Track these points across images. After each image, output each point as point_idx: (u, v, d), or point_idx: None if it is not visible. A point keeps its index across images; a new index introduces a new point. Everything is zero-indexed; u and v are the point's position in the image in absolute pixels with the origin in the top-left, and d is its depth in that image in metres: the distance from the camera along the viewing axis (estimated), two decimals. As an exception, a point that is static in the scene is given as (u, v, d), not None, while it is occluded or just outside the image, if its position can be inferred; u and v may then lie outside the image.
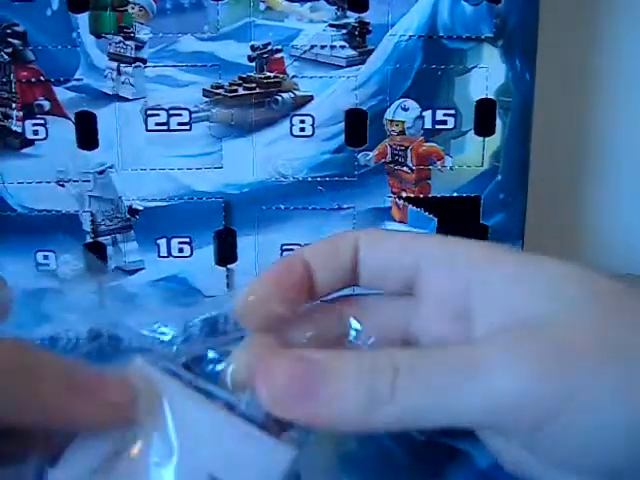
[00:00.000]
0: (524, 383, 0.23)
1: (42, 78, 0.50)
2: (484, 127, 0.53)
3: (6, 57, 0.50)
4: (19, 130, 0.51)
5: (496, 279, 0.27)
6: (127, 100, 0.51)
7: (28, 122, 0.51)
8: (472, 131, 0.53)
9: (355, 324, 0.30)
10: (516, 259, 0.28)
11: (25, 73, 0.50)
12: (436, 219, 0.53)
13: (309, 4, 0.50)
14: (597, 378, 0.23)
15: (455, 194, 0.53)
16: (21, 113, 0.51)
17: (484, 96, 0.52)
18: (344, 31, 0.51)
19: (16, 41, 0.50)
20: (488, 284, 0.27)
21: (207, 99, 0.51)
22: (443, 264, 0.29)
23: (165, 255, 0.53)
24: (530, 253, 0.30)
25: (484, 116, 0.52)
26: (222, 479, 0.27)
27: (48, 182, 0.52)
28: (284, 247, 0.53)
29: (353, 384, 0.24)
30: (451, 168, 0.53)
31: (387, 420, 0.24)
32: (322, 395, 0.24)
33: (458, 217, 0.54)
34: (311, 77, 0.51)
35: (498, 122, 0.53)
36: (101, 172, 0.52)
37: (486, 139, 0.53)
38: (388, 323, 0.31)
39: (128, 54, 0.51)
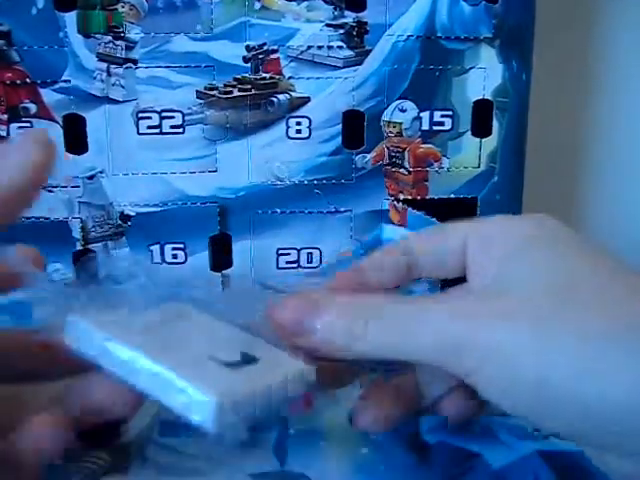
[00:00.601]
0: (460, 331, 0.29)
1: (28, 80, 0.48)
2: (481, 128, 0.52)
3: (-10, 58, 0.47)
4: (3, 134, 0.49)
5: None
6: (117, 102, 0.49)
7: (13, 125, 0.49)
8: (469, 132, 0.52)
9: None
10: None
11: (10, 74, 0.48)
12: (437, 223, 0.52)
13: (306, 3, 0.49)
14: (514, 336, 0.28)
15: (452, 195, 0.53)
16: (6, 116, 0.49)
17: (481, 97, 0.52)
18: (341, 31, 0.50)
19: (0, 41, 0.47)
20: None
21: (201, 101, 0.50)
22: None
23: (159, 262, 0.51)
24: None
25: (481, 117, 0.52)
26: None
27: (35, 188, 0.49)
28: (280, 252, 0.52)
29: (338, 323, 0.30)
30: (448, 169, 0.53)
31: (362, 351, 0.30)
32: (316, 326, 0.30)
33: (455, 218, 0.53)
34: (308, 78, 0.50)
35: (495, 123, 0.52)
36: (91, 177, 0.50)
37: (483, 140, 0.52)
38: None
39: (118, 54, 0.49)
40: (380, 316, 0.31)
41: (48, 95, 0.49)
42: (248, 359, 0.29)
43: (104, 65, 0.49)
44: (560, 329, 0.28)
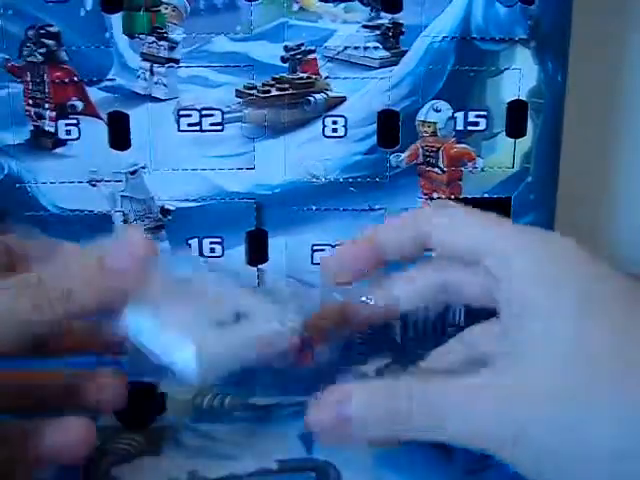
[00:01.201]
0: (484, 425, 0.29)
1: (75, 78, 0.50)
2: (515, 129, 0.53)
3: (40, 57, 0.50)
4: (52, 130, 0.51)
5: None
6: (160, 100, 0.51)
7: (61, 122, 0.51)
8: (503, 132, 0.53)
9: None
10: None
11: (58, 73, 0.50)
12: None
13: (343, 5, 0.50)
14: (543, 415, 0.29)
15: (486, 195, 0.53)
16: (54, 113, 0.51)
17: (516, 98, 0.52)
18: (377, 32, 0.51)
19: (50, 41, 0.50)
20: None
21: (240, 100, 0.51)
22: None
23: (196, 255, 0.53)
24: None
25: (516, 118, 0.52)
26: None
27: (80, 182, 0.52)
28: (315, 248, 0.54)
29: (379, 413, 0.31)
30: (482, 169, 0.53)
31: (405, 435, 0.31)
32: (354, 422, 0.31)
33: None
34: (344, 78, 0.51)
35: (529, 124, 0.53)
36: (133, 172, 0.52)
37: (517, 140, 0.53)
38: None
39: (161, 54, 0.50)
40: (424, 398, 0.30)
41: (94, 93, 0.51)
42: (239, 317, 0.30)
43: (147, 64, 0.51)
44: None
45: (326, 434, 0.32)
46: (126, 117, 0.51)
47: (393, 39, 0.51)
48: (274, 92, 0.51)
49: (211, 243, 0.53)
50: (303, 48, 0.51)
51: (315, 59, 0.51)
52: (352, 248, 0.37)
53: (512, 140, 0.53)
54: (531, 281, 0.31)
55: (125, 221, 0.52)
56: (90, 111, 0.51)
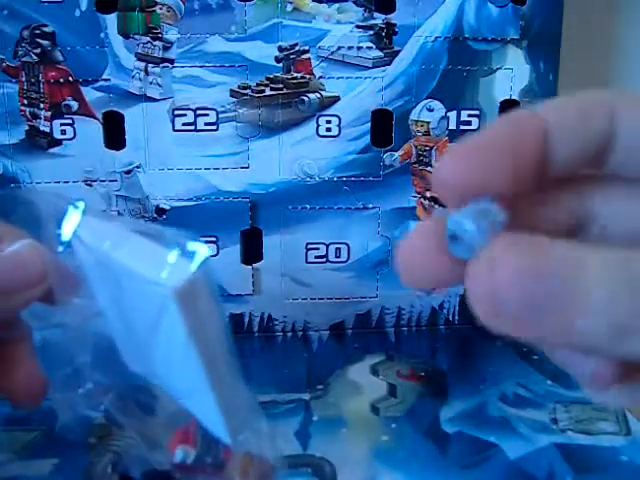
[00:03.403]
0: None
1: (70, 78, 0.51)
2: (508, 128, 0.53)
3: (35, 57, 0.50)
4: (47, 130, 0.51)
5: None
6: (154, 100, 0.51)
7: (56, 122, 0.51)
8: (496, 131, 0.53)
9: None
10: None
11: (53, 73, 0.50)
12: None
13: (337, 5, 0.51)
14: None
15: (478, 194, 0.54)
16: (49, 113, 0.51)
17: (508, 97, 0.53)
18: (371, 32, 0.51)
19: (45, 42, 0.50)
20: None
21: (234, 99, 0.51)
22: None
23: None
24: None
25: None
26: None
27: (75, 181, 0.52)
28: (309, 246, 0.54)
29: (603, 308, 0.18)
30: (475, 168, 0.53)
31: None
32: (563, 313, 0.18)
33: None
34: (338, 78, 0.52)
35: (521, 123, 0.53)
36: (128, 172, 0.52)
37: (509, 139, 0.53)
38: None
39: (156, 54, 0.51)
40: None
41: (89, 93, 0.51)
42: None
43: (142, 64, 0.51)
44: None
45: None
46: (121, 117, 0.51)
47: (386, 39, 0.51)
48: (268, 92, 0.52)
49: (206, 242, 0.53)
50: (297, 48, 0.51)
51: (309, 59, 0.51)
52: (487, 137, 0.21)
53: (504, 139, 0.53)
54: None
55: (120, 220, 0.53)
56: (85, 111, 0.51)
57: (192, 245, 0.26)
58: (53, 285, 0.31)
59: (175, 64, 0.51)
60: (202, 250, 0.27)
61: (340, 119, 0.52)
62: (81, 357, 0.32)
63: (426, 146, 0.53)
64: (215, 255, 0.53)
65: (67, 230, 0.28)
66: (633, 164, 0.22)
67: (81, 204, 0.28)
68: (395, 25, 0.51)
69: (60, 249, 0.29)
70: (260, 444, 0.32)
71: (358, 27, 0.51)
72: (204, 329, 0.28)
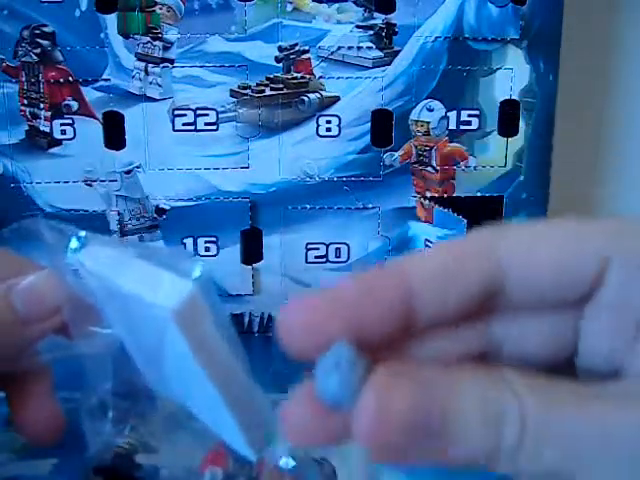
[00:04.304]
0: None
1: (70, 78, 0.51)
2: (507, 128, 0.53)
3: (35, 57, 0.50)
4: (47, 130, 0.51)
5: None
6: (154, 100, 0.51)
7: (56, 122, 0.51)
8: (495, 132, 0.53)
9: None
10: None
11: (53, 73, 0.50)
12: (466, 220, 0.53)
13: (336, 5, 0.51)
14: None
15: (478, 194, 0.54)
16: (49, 113, 0.51)
17: (508, 97, 0.53)
18: (371, 32, 0.51)
19: (45, 42, 0.50)
20: None
21: (234, 99, 0.51)
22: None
23: (191, 254, 0.53)
24: None
25: (508, 117, 0.53)
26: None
27: (76, 182, 0.52)
28: (309, 246, 0.54)
29: (475, 432, 0.20)
30: (475, 168, 0.54)
31: (514, 471, 0.21)
32: (441, 440, 0.20)
33: (481, 217, 0.54)
34: (338, 78, 0.52)
35: (521, 123, 0.53)
36: (128, 172, 0.52)
37: (509, 139, 0.53)
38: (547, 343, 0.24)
39: (156, 54, 0.51)
40: (543, 419, 0.20)
41: (89, 93, 0.51)
42: None
43: (142, 64, 0.51)
44: None
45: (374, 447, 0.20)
46: (121, 117, 0.51)
47: (386, 39, 0.51)
48: (268, 92, 0.52)
49: (206, 242, 0.53)
50: (297, 48, 0.51)
51: (309, 59, 0.51)
52: (354, 287, 0.22)
53: (504, 139, 0.53)
54: None
55: (120, 221, 0.53)
56: (85, 111, 0.51)
57: (188, 263, 0.27)
58: (68, 315, 0.31)
59: (175, 64, 0.51)
60: (198, 267, 0.27)
61: (340, 119, 0.52)
62: (103, 385, 0.32)
63: (426, 146, 0.53)
64: (215, 255, 0.53)
65: (73, 261, 0.29)
66: (524, 302, 0.23)
67: (83, 233, 0.29)
68: (395, 25, 0.51)
69: (69, 279, 0.29)
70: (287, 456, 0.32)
71: (358, 27, 0.51)
72: (210, 345, 0.28)
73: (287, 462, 0.32)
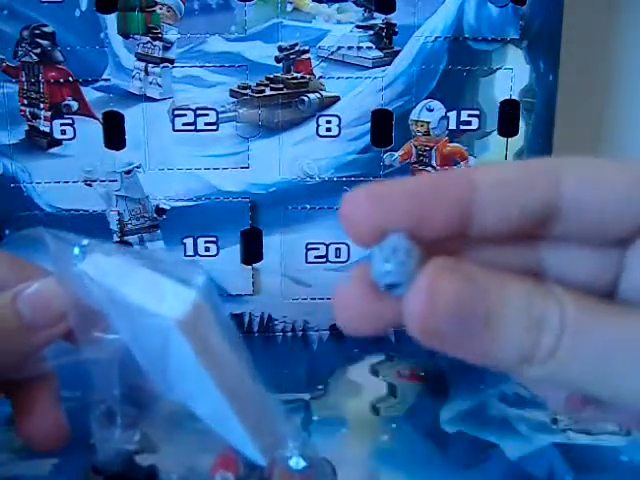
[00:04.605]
0: None
1: (70, 78, 0.51)
2: (507, 128, 0.53)
3: (35, 57, 0.50)
4: (47, 130, 0.51)
5: None
6: (154, 100, 0.51)
7: (56, 122, 0.51)
8: (495, 131, 0.53)
9: None
10: None
11: (53, 73, 0.50)
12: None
13: (336, 5, 0.51)
14: None
15: (478, 194, 0.54)
16: (49, 113, 0.51)
17: (508, 97, 0.53)
18: (371, 32, 0.51)
19: (45, 42, 0.50)
20: None
21: (234, 99, 0.51)
22: None
23: (191, 254, 0.53)
24: None
25: (507, 117, 0.53)
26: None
27: (75, 182, 0.52)
28: (309, 246, 0.54)
29: (515, 333, 0.21)
30: (475, 168, 0.54)
31: (542, 376, 0.21)
32: (483, 336, 0.21)
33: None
34: (338, 78, 0.52)
35: (521, 123, 0.53)
36: (128, 172, 0.52)
37: (509, 139, 0.53)
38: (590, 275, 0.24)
39: (156, 54, 0.51)
40: (580, 327, 0.21)
41: (89, 93, 0.51)
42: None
43: (142, 64, 0.51)
44: None
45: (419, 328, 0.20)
46: (121, 117, 0.51)
47: (386, 39, 0.51)
48: (268, 92, 0.52)
49: (206, 242, 0.53)
50: (297, 48, 0.51)
51: (309, 59, 0.51)
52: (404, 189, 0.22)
53: (504, 139, 0.53)
54: None
55: (120, 220, 0.53)
56: (85, 111, 0.51)
57: (191, 270, 0.27)
58: (74, 322, 0.31)
59: (175, 64, 0.51)
60: (200, 275, 0.27)
61: (340, 119, 0.52)
62: (111, 391, 0.32)
63: (426, 146, 0.53)
64: (215, 255, 0.53)
65: (76, 269, 0.29)
66: (578, 231, 0.23)
67: (85, 242, 0.29)
68: (395, 25, 0.51)
69: (75, 286, 0.30)
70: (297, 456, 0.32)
71: (358, 27, 0.51)
72: (215, 353, 0.28)
73: (297, 462, 0.32)
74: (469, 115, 0.53)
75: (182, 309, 0.27)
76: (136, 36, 0.50)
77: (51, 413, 0.34)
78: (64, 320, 0.31)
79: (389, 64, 0.52)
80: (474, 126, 0.53)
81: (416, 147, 0.53)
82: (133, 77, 0.51)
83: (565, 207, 0.22)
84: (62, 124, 0.51)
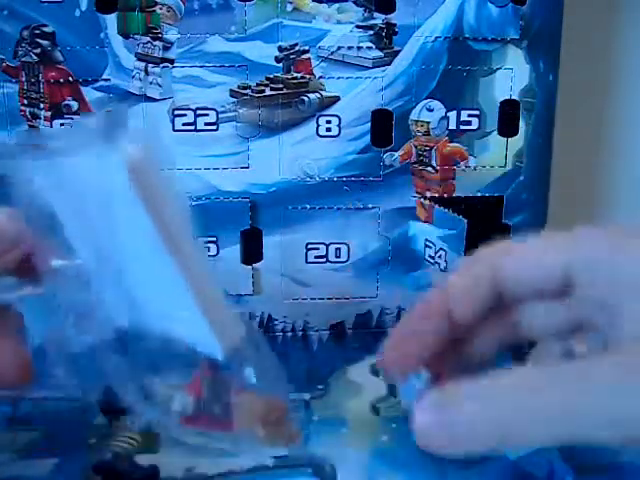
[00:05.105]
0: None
1: (70, 78, 0.51)
2: (507, 128, 0.53)
3: (35, 57, 0.50)
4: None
5: None
6: (154, 100, 0.51)
7: (56, 122, 0.51)
8: (495, 132, 0.53)
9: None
10: None
11: (53, 73, 0.50)
12: (466, 220, 0.53)
13: (337, 5, 0.51)
14: None
15: (478, 194, 0.54)
16: (49, 113, 0.51)
17: (508, 97, 0.53)
18: (371, 32, 0.51)
19: (45, 42, 0.50)
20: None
21: (234, 99, 0.51)
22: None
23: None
24: None
25: (508, 117, 0.53)
26: None
27: (75, 182, 0.52)
28: (309, 246, 0.54)
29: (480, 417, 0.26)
30: (475, 168, 0.54)
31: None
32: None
33: (481, 216, 0.54)
34: (338, 78, 0.52)
35: (521, 123, 0.53)
36: (128, 172, 0.52)
37: (509, 139, 0.53)
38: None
39: (156, 54, 0.51)
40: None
41: (89, 93, 0.51)
42: None
43: (142, 64, 0.51)
44: None
45: (427, 439, 0.27)
46: (121, 117, 0.51)
47: (386, 39, 0.51)
48: (268, 92, 0.52)
49: (206, 242, 0.53)
50: (297, 48, 0.51)
51: (309, 59, 0.51)
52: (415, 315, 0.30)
53: (504, 139, 0.53)
54: None
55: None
56: (85, 111, 0.51)
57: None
58: (31, 250, 0.31)
59: (175, 64, 0.51)
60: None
61: (340, 119, 0.52)
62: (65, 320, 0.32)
63: (426, 146, 0.53)
64: (215, 255, 0.53)
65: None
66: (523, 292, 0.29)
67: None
68: (395, 25, 0.51)
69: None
70: (267, 383, 0.31)
71: (358, 27, 0.51)
72: (162, 209, 0.27)
73: (249, 373, 0.31)
74: (469, 115, 0.53)
75: (132, 149, 0.25)
76: (136, 36, 0.50)
77: (10, 348, 0.34)
78: (16, 250, 0.31)
79: (389, 64, 0.52)
80: (474, 126, 0.53)
81: (416, 147, 0.53)
82: (133, 77, 0.51)
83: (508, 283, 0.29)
84: (62, 124, 0.51)
